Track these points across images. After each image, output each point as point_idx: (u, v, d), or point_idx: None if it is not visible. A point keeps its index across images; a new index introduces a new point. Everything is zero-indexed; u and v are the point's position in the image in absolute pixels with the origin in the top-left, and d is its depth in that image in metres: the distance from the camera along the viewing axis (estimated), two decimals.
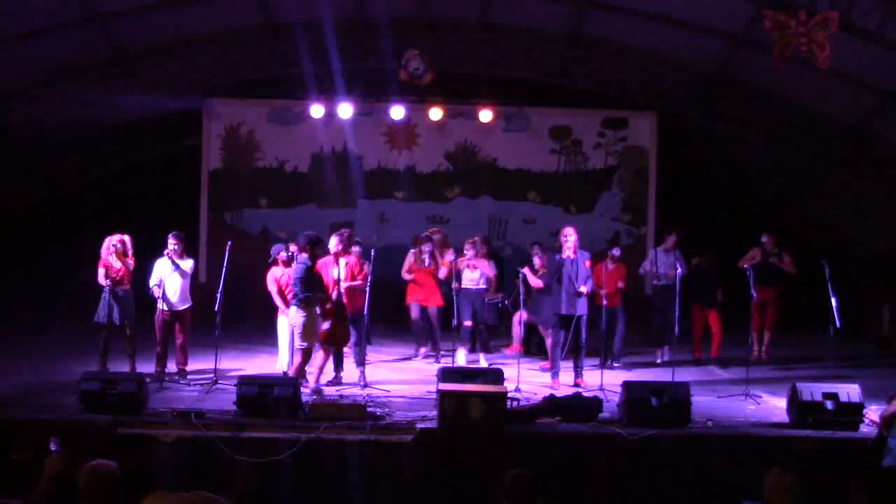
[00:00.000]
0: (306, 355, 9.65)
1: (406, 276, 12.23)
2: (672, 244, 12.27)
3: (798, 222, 16.83)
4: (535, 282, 11.19)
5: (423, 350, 12.38)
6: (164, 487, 4.33)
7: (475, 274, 11.67)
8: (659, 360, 12.14)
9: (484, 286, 11.78)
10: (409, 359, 12.33)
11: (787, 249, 12.61)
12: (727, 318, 12.36)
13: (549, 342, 11.28)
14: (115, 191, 17.35)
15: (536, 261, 11.63)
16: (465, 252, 11.79)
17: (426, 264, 12.09)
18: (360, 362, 10.35)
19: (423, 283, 12.14)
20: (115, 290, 10.00)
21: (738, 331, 11.65)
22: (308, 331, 9.49)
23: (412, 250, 12.22)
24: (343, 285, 10.14)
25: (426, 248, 12.09)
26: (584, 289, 10.26)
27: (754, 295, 10.66)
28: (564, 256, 10.30)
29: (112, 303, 9.98)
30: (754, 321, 11.46)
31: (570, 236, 10.39)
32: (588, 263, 10.43)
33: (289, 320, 9.90)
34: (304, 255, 9.65)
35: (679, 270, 11.81)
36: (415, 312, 12.21)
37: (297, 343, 9.65)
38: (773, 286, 12.26)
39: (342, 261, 10.32)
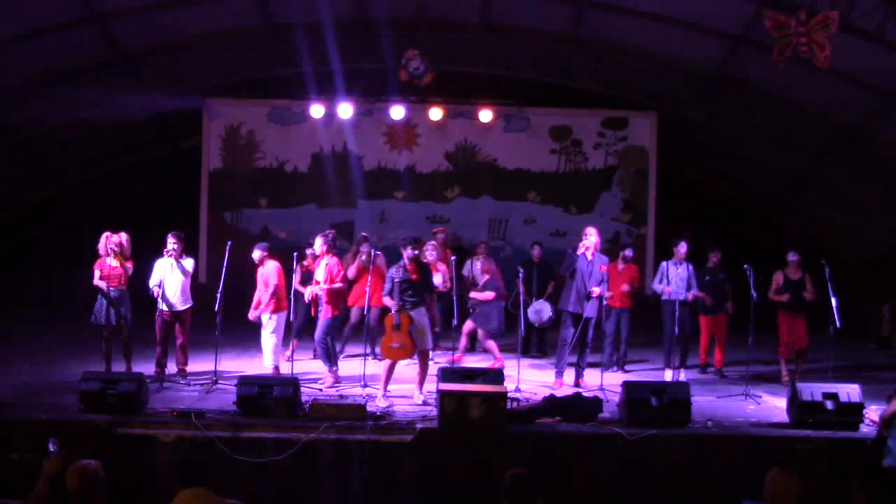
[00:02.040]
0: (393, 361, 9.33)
1: (351, 277, 11.62)
2: (684, 254, 11.22)
3: (798, 222, 16.83)
4: (483, 295, 11.48)
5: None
6: (164, 488, 4.34)
7: (437, 278, 11.13)
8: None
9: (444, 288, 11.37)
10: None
11: (808, 270, 11.33)
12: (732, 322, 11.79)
13: (490, 345, 11.36)
14: (115, 191, 17.35)
15: (478, 265, 11.46)
16: (425, 253, 11.20)
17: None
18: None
19: (365, 284, 11.20)
20: (108, 290, 9.96)
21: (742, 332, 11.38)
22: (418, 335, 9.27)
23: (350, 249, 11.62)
24: (320, 288, 10.11)
25: (364, 248, 11.76)
26: (596, 290, 10.21)
27: (754, 295, 10.30)
28: (580, 254, 10.29)
29: (106, 303, 9.95)
30: (782, 351, 11.09)
31: (589, 236, 10.38)
32: (604, 267, 10.39)
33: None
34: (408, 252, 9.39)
35: (692, 292, 11.11)
36: (355, 316, 11.78)
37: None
38: (802, 313, 11.16)
39: (322, 262, 10.27)
